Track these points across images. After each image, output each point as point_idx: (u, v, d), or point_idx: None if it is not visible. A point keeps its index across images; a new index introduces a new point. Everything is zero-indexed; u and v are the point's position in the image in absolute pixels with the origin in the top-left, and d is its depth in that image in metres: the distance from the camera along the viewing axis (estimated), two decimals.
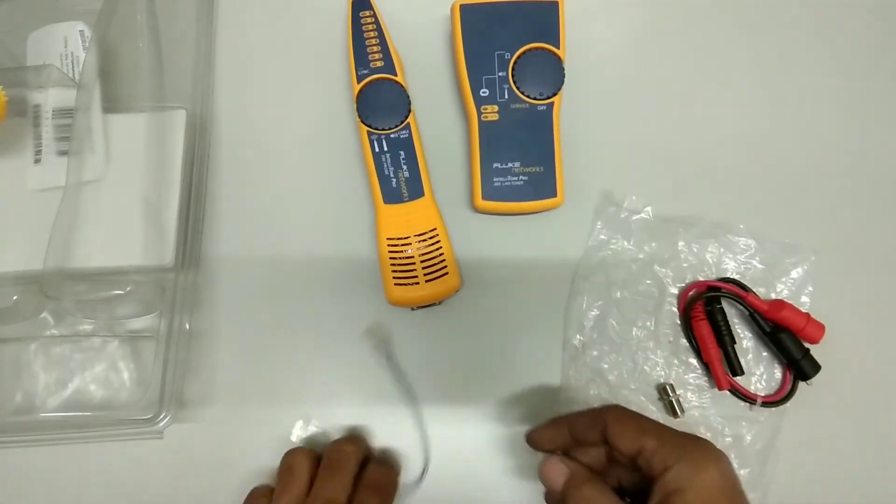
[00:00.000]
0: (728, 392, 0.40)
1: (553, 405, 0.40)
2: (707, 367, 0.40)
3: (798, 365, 0.39)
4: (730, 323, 0.40)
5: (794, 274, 0.41)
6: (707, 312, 0.40)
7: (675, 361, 0.40)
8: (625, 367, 0.40)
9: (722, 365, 0.39)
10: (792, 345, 0.39)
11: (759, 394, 0.40)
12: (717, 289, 0.40)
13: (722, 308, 0.40)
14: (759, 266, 0.42)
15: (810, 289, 0.41)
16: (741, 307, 0.40)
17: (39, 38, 0.42)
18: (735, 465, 0.37)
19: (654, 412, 0.40)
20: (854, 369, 0.41)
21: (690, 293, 0.41)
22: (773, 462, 0.39)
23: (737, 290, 0.40)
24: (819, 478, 0.39)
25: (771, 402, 0.39)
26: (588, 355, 0.40)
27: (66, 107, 0.40)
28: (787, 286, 0.41)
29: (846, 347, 0.40)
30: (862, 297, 0.42)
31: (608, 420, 0.30)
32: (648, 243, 0.42)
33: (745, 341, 0.41)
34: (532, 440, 0.34)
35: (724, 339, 0.40)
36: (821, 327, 0.39)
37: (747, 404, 0.40)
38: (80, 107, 0.39)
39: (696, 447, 0.27)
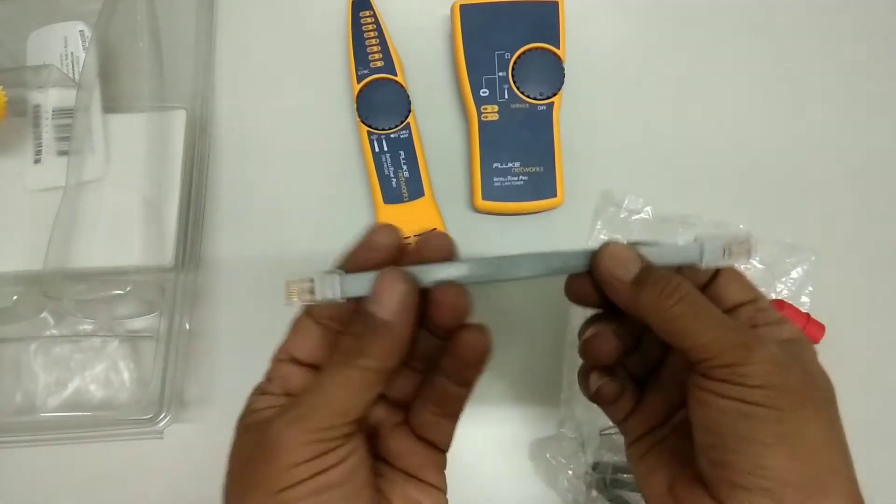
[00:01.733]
0: None
1: (554, 405, 0.40)
2: None
3: None
4: None
5: (794, 274, 0.41)
6: None
7: None
8: None
9: None
10: None
11: None
12: None
13: None
14: (759, 266, 0.42)
15: (810, 289, 0.41)
16: None
17: (39, 38, 0.42)
18: None
19: None
20: (854, 369, 0.41)
21: None
22: None
23: None
24: None
25: None
26: None
27: (66, 107, 0.40)
28: (787, 286, 0.41)
29: (846, 347, 0.40)
30: (862, 297, 0.42)
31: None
32: None
33: None
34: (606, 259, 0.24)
35: None
36: (821, 327, 0.39)
37: None
38: (80, 107, 0.39)
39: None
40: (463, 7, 0.41)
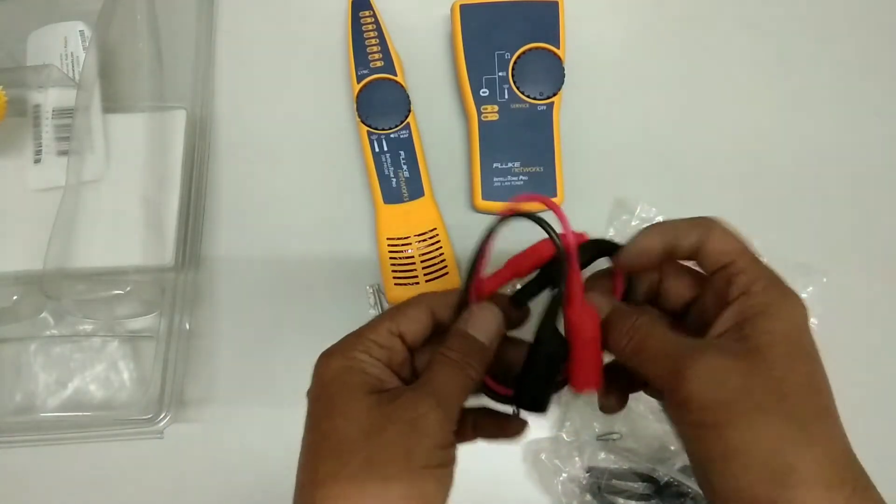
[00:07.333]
0: None
1: (552, 408, 0.40)
2: None
3: None
4: None
5: (804, 295, 0.40)
6: None
7: None
8: None
9: None
10: None
11: None
12: None
13: None
14: None
15: (819, 311, 0.40)
16: None
17: (39, 38, 0.42)
18: None
19: (656, 412, 0.40)
20: (854, 372, 0.40)
21: None
22: None
23: None
24: None
25: None
26: None
27: (66, 107, 0.40)
28: None
29: (847, 352, 0.40)
30: (863, 306, 0.42)
31: (714, 226, 0.27)
32: None
33: None
34: (627, 254, 0.29)
35: None
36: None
37: None
38: (80, 107, 0.39)
39: (786, 286, 0.25)
40: (463, 7, 0.41)
